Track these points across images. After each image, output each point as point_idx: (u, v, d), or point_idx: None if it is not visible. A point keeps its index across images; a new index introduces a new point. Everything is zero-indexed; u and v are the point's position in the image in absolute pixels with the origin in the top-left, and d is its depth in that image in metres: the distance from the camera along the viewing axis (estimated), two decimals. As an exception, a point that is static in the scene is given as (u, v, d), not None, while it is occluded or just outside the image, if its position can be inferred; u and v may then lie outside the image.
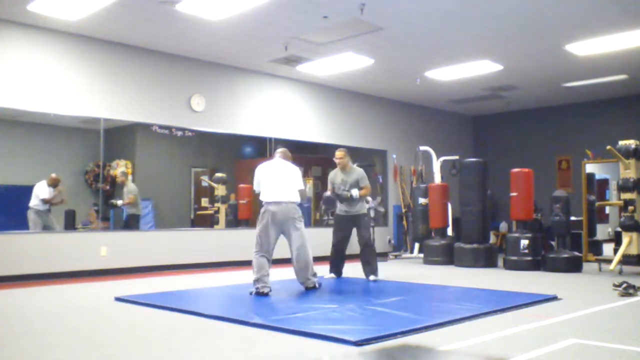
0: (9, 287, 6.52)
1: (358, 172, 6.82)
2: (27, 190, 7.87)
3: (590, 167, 9.74)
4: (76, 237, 7.81)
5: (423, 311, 4.89)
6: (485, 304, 4.99)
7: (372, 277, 6.79)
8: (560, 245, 8.25)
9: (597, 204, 9.91)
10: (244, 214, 9.93)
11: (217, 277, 7.55)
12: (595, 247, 9.50)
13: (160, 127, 8.69)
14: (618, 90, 11.19)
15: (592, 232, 9.66)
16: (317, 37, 7.81)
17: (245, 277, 6.88)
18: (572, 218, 8.67)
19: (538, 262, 8.22)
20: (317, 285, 5.89)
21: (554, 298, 5.42)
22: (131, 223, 8.63)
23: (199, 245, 8.80)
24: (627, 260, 7.57)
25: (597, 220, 10.48)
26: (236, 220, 9.87)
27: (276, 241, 5.84)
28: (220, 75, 9.27)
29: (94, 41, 7.93)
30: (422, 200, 10.44)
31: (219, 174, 9.86)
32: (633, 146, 7.65)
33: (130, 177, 8.76)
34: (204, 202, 9.85)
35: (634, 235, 7.51)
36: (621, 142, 7.81)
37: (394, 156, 11.91)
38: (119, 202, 8.51)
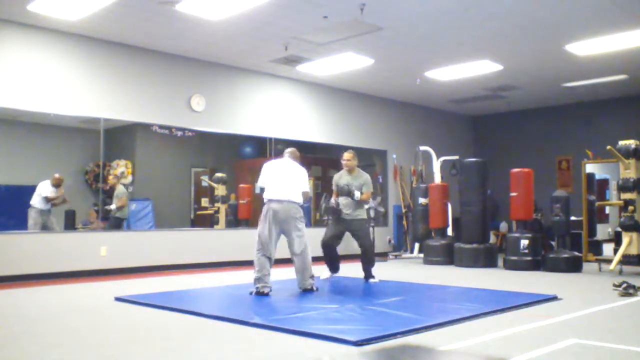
0: (9, 287, 6.52)
1: (365, 177, 6.76)
2: (27, 190, 7.87)
3: (590, 167, 9.74)
4: (76, 237, 7.81)
5: (423, 311, 4.89)
6: (485, 304, 4.98)
7: (371, 280, 6.79)
8: (560, 245, 8.25)
9: (597, 204, 9.92)
10: (244, 214, 9.94)
11: (217, 277, 7.55)
12: (595, 247, 9.50)
13: (160, 127, 8.69)
14: (618, 90, 11.19)
15: (592, 232, 9.67)
16: (317, 37, 7.81)
17: (245, 277, 6.88)
18: (572, 218, 8.67)
19: (538, 262, 8.22)
20: (314, 288, 5.88)
21: (554, 298, 5.42)
22: (116, 226, 8.52)
23: (199, 245, 8.79)
24: (627, 260, 7.57)
25: (597, 220, 10.48)
26: (236, 220, 9.87)
27: (277, 240, 5.83)
28: (220, 75, 9.27)
29: (94, 41, 7.93)
30: (422, 200, 10.45)
31: (219, 174, 9.86)
32: (633, 146, 7.65)
33: (131, 179, 8.76)
34: (204, 202, 9.85)
35: (634, 235, 7.51)
36: (621, 142, 7.81)
37: (394, 156, 11.91)
38: (112, 207, 8.46)
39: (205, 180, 10.01)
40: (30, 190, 7.86)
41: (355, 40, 7.98)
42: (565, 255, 8.01)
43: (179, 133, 8.93)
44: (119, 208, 8.50)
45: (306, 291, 5.82)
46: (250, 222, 9.67)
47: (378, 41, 8.07)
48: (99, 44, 7.98)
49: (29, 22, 7.29)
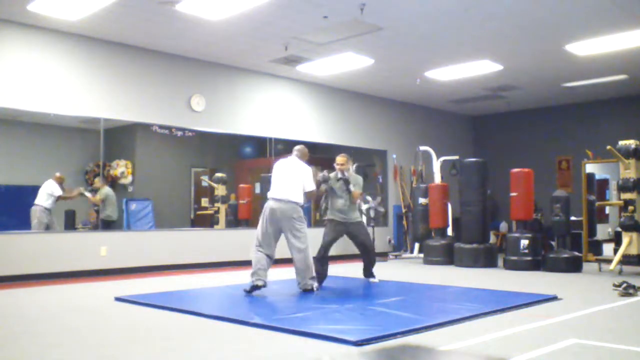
0: (9, 287, 6.52)
1: (356, 178, 6.73)
2: (27, 190, 7.88)
3: (590, 167, 9.75)
4: (76, 237, 7.81)
5: (423, 311, 4.89)
6: (485, 304, 4.99)
7: (372, 280, 6.79)
8: (560, 245, 8.25)
9: (597, 204, 9.92)
10: (244, 214, 9.94)
11: (217, 277, 7.55)
12: (595, 247, 9.50)
13: (160, 127, 8.69)
14: (618, 90, 11.19)
15: (592, 232, 9.67)
16: (317, 37, 7.81)
17: (245, 277, 6.85)
18: (572, 218, 8.67)
19: (538, 262, 8.22)
20: (314, 288, 5.88)
21: (554, 298, 5.42)
22: (104, 228, 8.42)
23: (199, 245, 8.79)
24: (627, 260, 7.57)
25: (597, 220, 10.48)
26: (236, 220, 9.87)
27: (276, 238, 5.84)
28: (220, 75, 9.27)
29: (94, 41, 7.93)
30: (422, 200, 10.45)
31: (219, 174, 9.86)
32: (633, 146, 7.65)
33: (131, 179, 8.75)
34: (204, 202, 9.86)
35: (634, 235, 7.51)
36: (621, 142, 7.81)
37: (394, 156, 11.91)
38: (87, 194, 8.32)
39: (205, 180, 10.01)
40: (30, 190, 7.86)
41: (355, 40, 7.98)
42: (565, 255, 8.01)
43: (179, 133, 8.93)
44: (92, 202, 8.32)
45: (306, 291, 5.82)
46: (250, 222, 9.66)
47: (378, 41, 8.07)
48: (99, 44, 7.98)
49: (29, 22, 7.29)
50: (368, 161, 11.53)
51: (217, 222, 9.59)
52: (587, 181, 9.04)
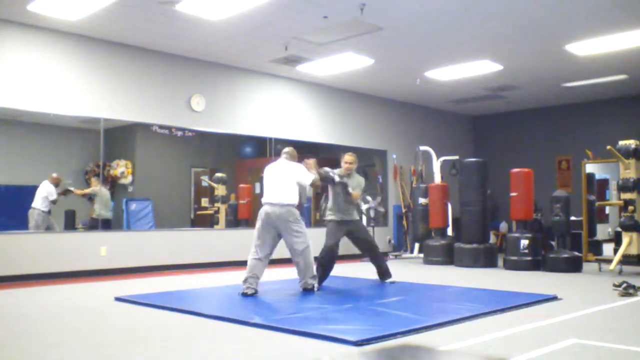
0: (9, 287, 6.52)
1: (360, 179, 6.70)
2: (26, 190, 7.88)
3: (590, 167, 9.74)
4: (76, 237, 7.81)
5: (423, 311, 4.89)
6: (485, 304, 4.98)
7: (389, 280, 6.70)
8: (560, 245, 8.25)
9: (597, 204, 9.91)
10: (244, 214, 9.93)
11: (217, 277, 7.55)
12: (595, 247, 9.49)
13: (160, 127, 8.69)
14: (618, 90, 11.19)
15: (592, 232, 9.66)
16: (317, 37, 7.81)
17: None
18: (572, 218, 8.67)
19: (538, 262, 8.22)
20: (315, 287, 5.88)
21: (554, 298, 5.42)
22: (97, 227, 8.34)
23: (199, 245, 8.80)
24: (627, 260, 7.56)
25: (597, 220, 10.48)
26: (236, 220, 9.87)
27: (274, 242, 5.84)
28: (220, 75, 9.27)
29: (94, 41, 7.93)
30: (422, 200, 10.44)
31: (219, 174, 9.86)
32: (633, 146, 7.64)
33: (131, 179, 8.74)
34: (204, 202, 9.86)
35: (634, 235, 7.51)
36: (621, 142, 7.81)
37: (394, 156, 11.91)
38: (71, 188, 8.26)
39: (205, 180, 10.01)
40: (30, 190, 7.86)
41: (355, 40, 7.98)
42: (565, 255, 8.01)
43: (179, 133, 8.93)
44: (80, 194, 8.29)
45: (306, 291, 5.82)
46: (250, 222, 9.66)
47: (378, 41, 8.07)
48: (99, 44, 7.98)
49: (29, 22, 7.29)
50: (368, 161, 11.52)
51: (217, 222, 9.59)
52: (587, 181, 9.04)
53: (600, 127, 11.77)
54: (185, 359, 3.36)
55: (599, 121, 11.97)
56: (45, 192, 7.88)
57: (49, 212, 7.89)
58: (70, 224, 8.29)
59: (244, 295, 5.60)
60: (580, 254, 8.27)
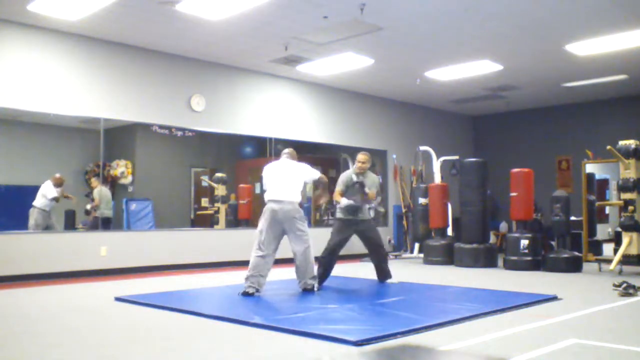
0: (9, 287, 6.52)
1: (374, 177, 6.62)
2: (27, 190, 7.88)
3: (590, 167, 9.74)
4: (76, 237, 7.81)
5: (423, 311, 4.88)
6: (485, 304, 4.98)
7: (389, 281, 6.68)
8: (560, 245, 8.25)
9: (597, 204, 9.92)
10: (244, 214, 9.94)
11: (217, 277, 7.55)
12: (595, 247, 9.49)
13: (160, 127, 8.69)
14: (618, 90, 11.19)
15: (592, 232, 9.67)
16: (317, 37, 7.81)
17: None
18: (572, 218, 8.67)
19: (538, 262, 8.22)
20: (315, 288, 5.87)
21: (554, 298, 5.42)
22: (95, 226, 8.37)
23: (199, 245, 8.79)
24: (627, 260, 7.56)
25: (597, 220, 10.48)
26: (236, 220, 9.87)
27: (278, 240, 5.81)
28: (220, 75, 9.27)
29: (94, 41, 7.93)
30: (422, 200, 10.44)
31: (219, 174, 9.86)
32: (633, 146, 7.65)
33: (131, 179, 8.75)
34: (204, 202, 9.86)
35: (634, 235, 7.51)
36: (621, 142, 7.81)
37: (394, 156, 11.91)
38: (88, 207, 8.35)
39: (205, 180, 10.02)
40: (30, 190, 7.87)
41: (355, 40, 7.98)
42: (565, 255, 8.01)
43: (179, 133, 8.93)
44: (94, 208, 8.36)
45: (306, 291, 5.82)
46: (250, 222, 9.66)
47: (378, 41, 8.07)
48: (99, 44, 7.98)
49: (29, 22, 7.29)
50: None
51: (217, 222, 9.59)
52: (587, 181, 9.04)
53: (600, 127, 11.77)
54: (185, 359, 3.36)
55: (599, 121, 11.97)
56: (44, 191, 7.89)
57: (50, 211, 7.89)
58: (70, 224, 8.29)
59: (245, 294, 5.57)
60: (580, 254, 8.27)
